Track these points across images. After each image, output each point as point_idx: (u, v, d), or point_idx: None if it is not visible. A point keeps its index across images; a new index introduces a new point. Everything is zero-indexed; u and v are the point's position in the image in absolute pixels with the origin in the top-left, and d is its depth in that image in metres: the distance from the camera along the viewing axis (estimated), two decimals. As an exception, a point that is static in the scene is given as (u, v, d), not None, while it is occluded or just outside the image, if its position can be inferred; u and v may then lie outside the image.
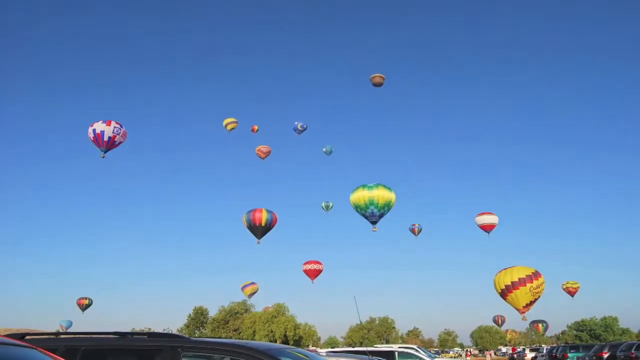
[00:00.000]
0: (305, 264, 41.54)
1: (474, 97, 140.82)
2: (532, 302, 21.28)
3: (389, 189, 24.52)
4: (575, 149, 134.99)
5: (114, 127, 25.99)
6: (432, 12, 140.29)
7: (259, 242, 32.87)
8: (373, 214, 24.79)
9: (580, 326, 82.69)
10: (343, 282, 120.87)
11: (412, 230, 51.26)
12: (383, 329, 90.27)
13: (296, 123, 45.80)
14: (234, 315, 71.36)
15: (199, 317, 74.49)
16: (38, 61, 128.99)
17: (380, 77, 39.73)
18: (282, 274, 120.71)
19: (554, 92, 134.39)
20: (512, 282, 20.82)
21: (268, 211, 32.09)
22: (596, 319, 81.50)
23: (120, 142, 27.00)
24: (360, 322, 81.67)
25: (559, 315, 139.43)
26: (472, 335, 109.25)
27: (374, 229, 25.80)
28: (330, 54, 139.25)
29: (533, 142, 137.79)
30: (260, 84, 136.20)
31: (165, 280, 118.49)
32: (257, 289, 47.73)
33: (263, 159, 44.58)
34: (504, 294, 21.21)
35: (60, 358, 3.49)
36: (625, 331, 78.96)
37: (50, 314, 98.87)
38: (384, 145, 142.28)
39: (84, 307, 45.15)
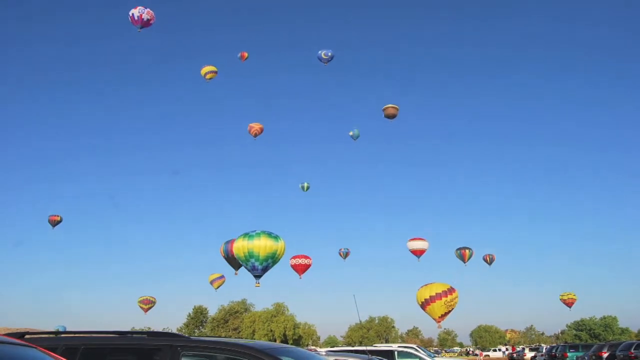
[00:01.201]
0: (292, 258, 39.03)
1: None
2: (446, 313, 24.07)
3: (275, 237, 22.40)
4: (571, 147, 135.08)
5: (139, 8, 34.95)
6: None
7: (236, 274, 31.31)
8: (255, 268, 22.49)
9: (579, 326, 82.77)
10: (343, 281, 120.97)
11: (340, 254, 51.28)
12: (382, 328, 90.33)
13: (320, 52, 41.90)
14: (233, 314, 71.46)
15: (198, 316, 74.57)
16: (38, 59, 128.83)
17: (394, 107, 38.01)
18: (281, 273, 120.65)
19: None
20: (430, 297, 23.79)
21: None
22: (595, 319, 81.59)
23: (149, 20, 35.20)
24: (360, 321, 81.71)
25: (559, 314, 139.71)
26: (471, 335, 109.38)
27: (257, 285, 23.66)
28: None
29: (532, 140, 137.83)
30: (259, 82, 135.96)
31: (165, 280, 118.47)
32: (224, 282, 46.38)
33: (255, 137, 43.42)
34: (423, 306, 24.12)
35: (60, 357, 3.49)
36: (624, 331, 79.04)
37: (50, 313, 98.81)
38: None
39: (54, 224, 44.76)
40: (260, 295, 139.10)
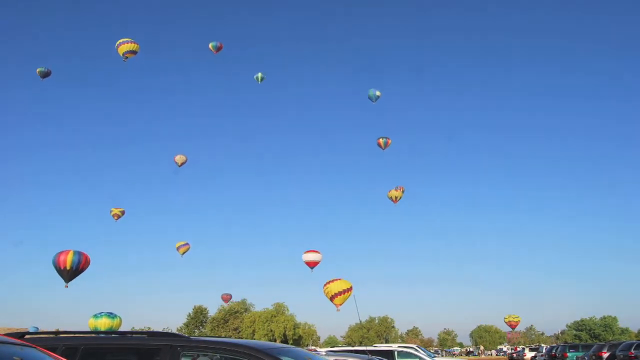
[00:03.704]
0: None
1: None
2: (343, 302, 33.41)
3: (112, 317, 31.77)
4: (571, 143, 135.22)
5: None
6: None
7: (66, 286, 31.62)
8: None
9: (579, 326, 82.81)
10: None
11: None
12: (382, 328, 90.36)
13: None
14: (233, 314, 71.39)
15: (198, 316, 74.57)
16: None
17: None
18: (281, 272, 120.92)
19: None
20: (336, 292, 32.99)
21: (75, 252, 30.78)
22: (595, 319, 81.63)
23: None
24: (360, 321, 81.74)
25: (559, 314, 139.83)
26: (471, 335, 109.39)
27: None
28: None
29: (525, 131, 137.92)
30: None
31: (165, 279, 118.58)
32: (189, 249, 49.25)
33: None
34: (332, 298, 33.11)
35: (60, 357, 3.49)
36: (624, 331, 79.09)
37: (50, 313, 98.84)
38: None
39: (43, 75, 42.97)
40: (260, 295, 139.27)
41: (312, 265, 39.53)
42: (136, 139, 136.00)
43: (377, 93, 45.47)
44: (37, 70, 43.34)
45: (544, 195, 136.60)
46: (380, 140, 45.75)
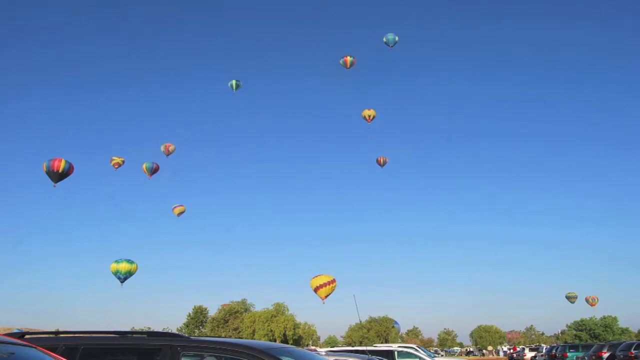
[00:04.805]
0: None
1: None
2: (329, 294, 35.57)
3: (131, 262, 38.17)
4: (571, 146, 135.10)
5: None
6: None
7: (55, 186, 37.48)
8: (119, 278, 38.52)
9: (579, 326, 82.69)
10: (343, 281, 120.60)
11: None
12: (383, 328, 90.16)
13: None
14: (233, 314, 71.32)
15: (198, 316, 74.49)
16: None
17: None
18: (281, 273, 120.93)
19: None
20: (320, 284, 35.25)
21: (66, 161, 36.90)
22: (596, 319, 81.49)
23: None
24: (360, 321, 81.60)
25: (559, 314, 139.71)
26: (471, 335, 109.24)
27: (121, 285, 39.43)
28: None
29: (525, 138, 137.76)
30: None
31: (165, 279, 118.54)
32: (185, 210, 51.88)
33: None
34: (316, 290, 35.26)
35: (59, 357, 3.49)
36: (624, 331, 78.98)
37: (51, 313, 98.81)
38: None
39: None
40: (260, 295, 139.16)
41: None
42: (134, 141, 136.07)
43: (390, 36, 44.46)
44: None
45: (544, 198, 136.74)
46: (347, 58, 45.66)
